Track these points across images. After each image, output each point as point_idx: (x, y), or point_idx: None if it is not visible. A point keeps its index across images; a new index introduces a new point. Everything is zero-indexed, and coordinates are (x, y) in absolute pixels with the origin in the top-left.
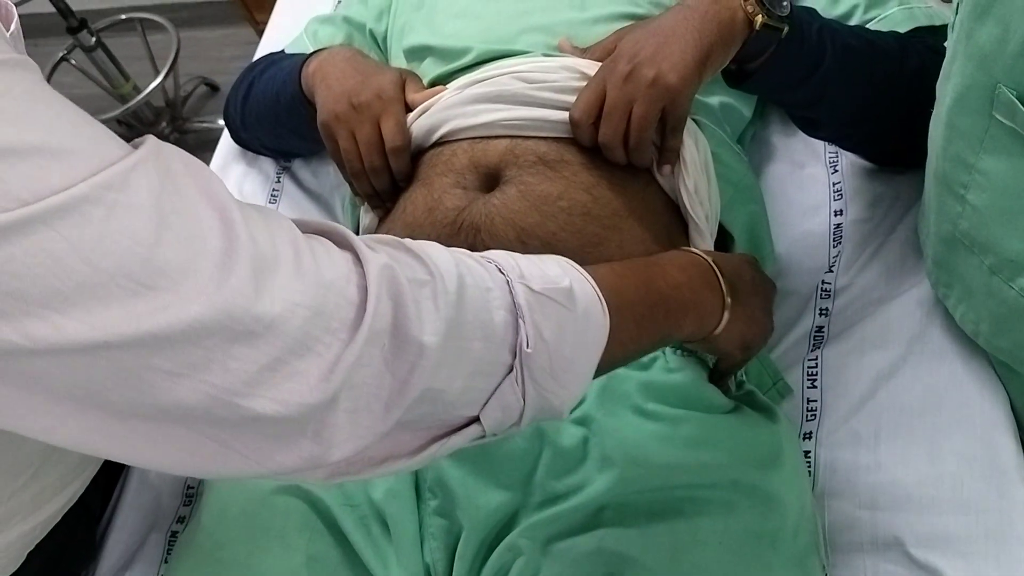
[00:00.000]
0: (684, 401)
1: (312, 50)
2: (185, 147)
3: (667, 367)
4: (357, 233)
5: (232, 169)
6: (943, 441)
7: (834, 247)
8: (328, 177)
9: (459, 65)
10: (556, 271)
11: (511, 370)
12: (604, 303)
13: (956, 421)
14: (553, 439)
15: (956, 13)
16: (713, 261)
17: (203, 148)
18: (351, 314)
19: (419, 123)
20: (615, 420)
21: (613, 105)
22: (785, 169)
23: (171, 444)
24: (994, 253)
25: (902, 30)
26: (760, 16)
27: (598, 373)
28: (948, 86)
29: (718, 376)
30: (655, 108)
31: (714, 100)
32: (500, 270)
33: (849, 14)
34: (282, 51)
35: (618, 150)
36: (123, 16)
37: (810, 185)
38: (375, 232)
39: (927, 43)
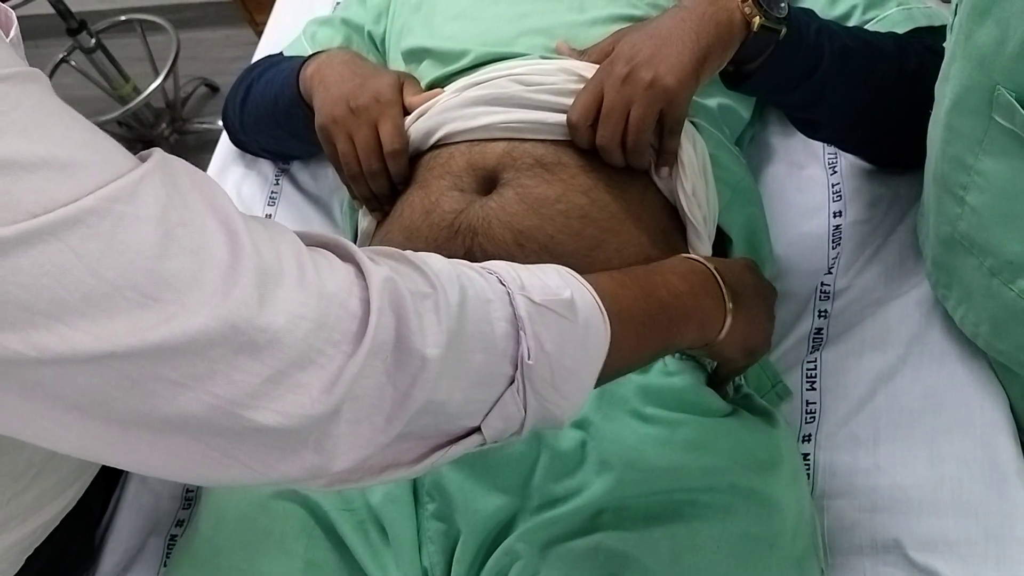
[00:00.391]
0: (682, 405)
1: (310, 52)
2: (185, 148)
3: (665, 371)
4: (356, 236)
5: (231, 171)
6: (942, 443)
7: (833, 249)
8: (326, 180)
9: (457, 67)
10: (557, 282)
11: (512, 381)
12: (605, 313)
13: (955, 423)
14: (551, 443)
15: (955, 14)
16: (714, 268)
17: (203, 149)
18: (353, 326)
19: (417, 126)
20: (613, 424)
21: (611, 107)
22: (784, 170)
23: (174, 453)
24: (993, 255)
25: (901, 31)
26: (758, 18)
27: (600, 383)
28: (947, 87)
29: (718, 381)
30: (653, 110)
31: (712, 102)
32: (501, 281)
33: (847, 15)
34: (280, 53)
35: (616, 152)
36: (123, 17)
37: (809, 187)
38: (373, 234)
39: (926, 44)
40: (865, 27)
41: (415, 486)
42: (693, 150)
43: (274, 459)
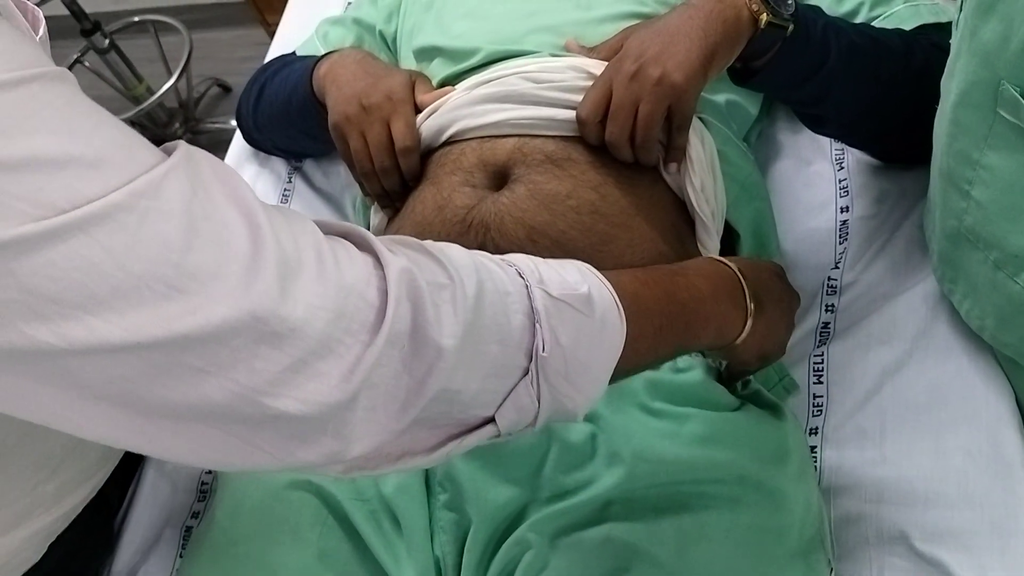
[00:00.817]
0: (690, 399)
1: (323, 51)
2: (198, 147)
3: (675, 366)
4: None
5: (244, 169)
6: (948, 436)
7: (840, 244)
8: (339, 177)
9: (468, 65)
10: (576, 277)
11: (526, 372)
12: (622, 310)
13: (961, 416)
14: (561, 435)
15: (960, 10)
16: (740, 272)
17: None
18: (371, 316)
19: (428, 123)
20: (622, 417)
21: (619, 104)
22: (791, 166)
23: (197, 441)
24: (999, 249)
25: (908, 27)
26: (765, 15)
27: (614, 379)
28: (952, 83)
29: (728, 380)
30: (661, 107)
31: (720, 98)
32: (520, 274)
33: (854, 12)
34: (293, 53)
35: (625, 149)
36: (136, 18)
37: (816, 182)
38: (384, 230)
39: (933, 40)
40: (872, 24)
41: (427, 476)
42: (701, 146)
43: (294, 446)
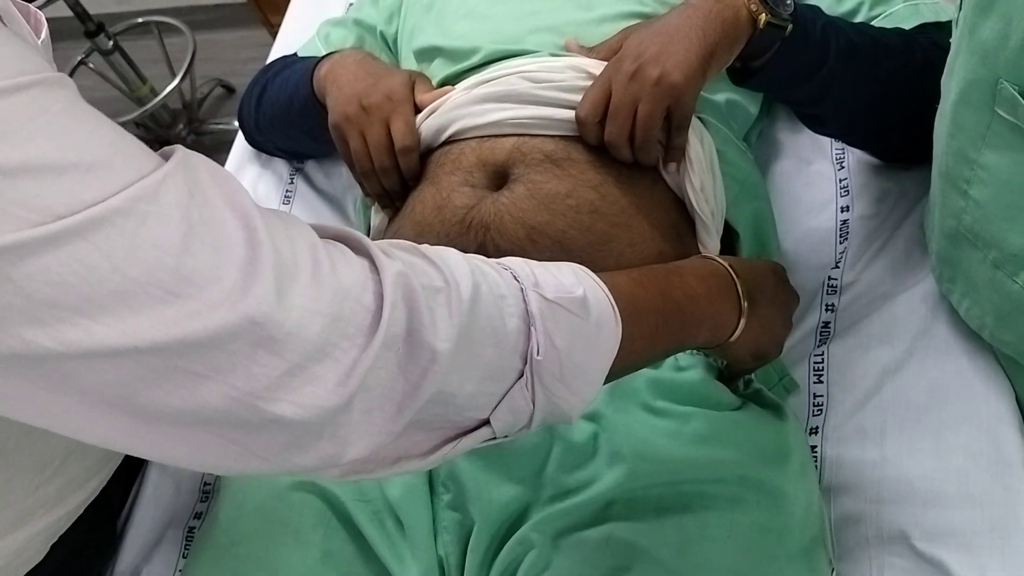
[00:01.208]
0: (692, 398)
1: (324, 52)
2: (201, 148)
3: (676, 365)
4: (369, 232)
5: (246, 170)
6: (949, 435)
7: (840, 243)
8: (340, 178)
9: (468, 65)
10: (571, 280)
11: (521, 375)
12: (617, 312)
13: (962, 415)
14: (563, 435)
15: (960, 9)
16: (734, 271)
17: (219, 149)
18: (367, 320)
19: (428, 123)
20: (624, 416)
21: (619, 104)
22: (791, 166)
23: (194, 445)
24: (997, 248)
25: (907, 26)
26: (764, 15)
27: (609, 379)
28: (951, 82)
29: (727, 378)
30: (660, 107)
31: (720, 98)
32: (515, 278)
33: (854, 11)
34: (294, 54)
35: (624, 148)
36: (140, 20)
37: (816, 182)
38: (385, 230)
39: (932, 39)
40: (871, 23)
41: (430, 477)
42: (701, 146)
43: (290, 451)
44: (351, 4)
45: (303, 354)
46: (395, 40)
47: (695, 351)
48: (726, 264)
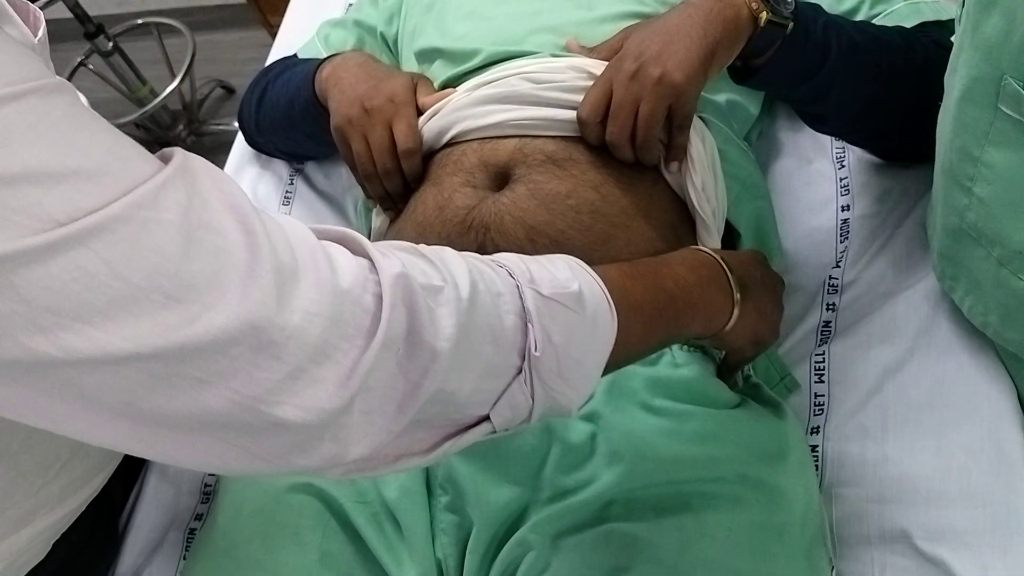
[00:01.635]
0: (691, 396)
1: (324, 53)
2: (202, 149)
3: (674, 362)
4: (370, 234)
5: (246, 171)
6: (950, 434)
7: (841, 242)
8: (340, 179)
9: (469, 67)
10: (566, 275)
11: (520, 372)
12: (613, 305)
13: (963, 414)
14: (561, 435)
15: (962, 5)
16: (723, 259)
17: (219, 150)
18: (367, 321)
19: (430, 125)
20: (622, 416)
21: (620, 104)
22: (792, 165)
23: (197, 449)
24: (1002, 245)
25: (908, 25)
26: (764, 13)
27: (606, 371)
28: (955, 79)
29: (727, 371)
30: (661, 106)
31: (721, 97)
32: (511, 275)
33: (855, 10)
34: (294, 55)
35: (625, 148)
36: (139, 21)
37: (817, 181)
38: (386, 231)
39: (933, 38)
40: (872, 21)
41: (428, 478)
42: (702, 145)
43: (293, 453)
44: (351, 5)
45: (304, 357)
46: (395, 41)
47: (692, 348)
48: (714, 253)
